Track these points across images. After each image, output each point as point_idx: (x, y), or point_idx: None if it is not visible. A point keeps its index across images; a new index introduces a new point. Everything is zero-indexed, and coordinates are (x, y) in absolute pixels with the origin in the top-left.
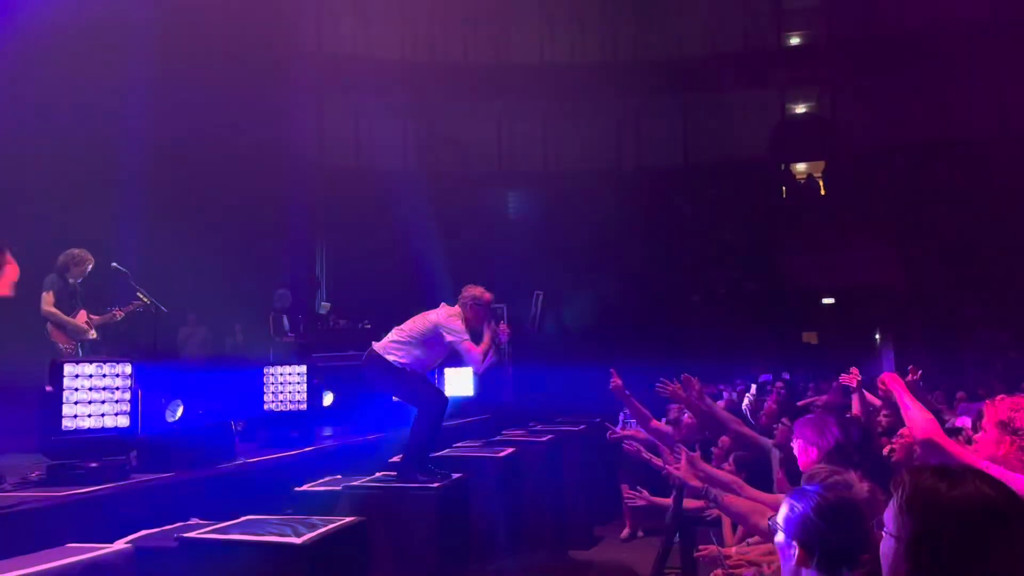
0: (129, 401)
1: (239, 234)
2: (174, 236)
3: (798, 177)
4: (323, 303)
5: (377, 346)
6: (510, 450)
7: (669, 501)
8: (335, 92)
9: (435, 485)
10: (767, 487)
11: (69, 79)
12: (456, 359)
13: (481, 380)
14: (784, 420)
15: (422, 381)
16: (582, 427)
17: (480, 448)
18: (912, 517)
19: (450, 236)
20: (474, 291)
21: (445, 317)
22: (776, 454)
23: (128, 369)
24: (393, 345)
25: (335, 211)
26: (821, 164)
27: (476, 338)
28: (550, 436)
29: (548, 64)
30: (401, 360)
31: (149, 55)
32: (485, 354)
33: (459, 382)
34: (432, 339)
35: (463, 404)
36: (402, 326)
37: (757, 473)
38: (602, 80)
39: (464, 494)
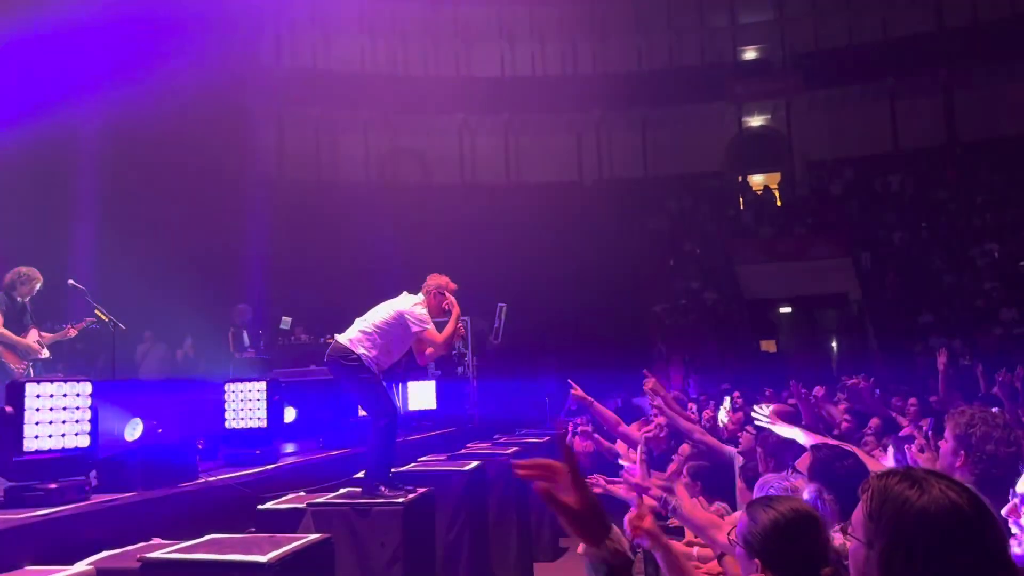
0: (89, 421)
1: (198, 249)
2: (131, 253)
3: (755, 188)
4: (284, 317)
5: (341, 338)
6: (475, 463)
7: (622, 492)
8: (295, 106)
9: (400, 500)
10: (726, 496)
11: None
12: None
13: (444, 393)
14: (749, 428)
15: (382, 387)
16: (546, 439)
17: (445, 462)
18: (882, 524)
19: (412, 248)
20: (439, 279)
21: (410, 305)
22: (739, 461)
23: (88, 388)
24: (359, 336)
25: (296, 224)
26: (777, 175)
27: (438, 328)
28: (515, 448)
29: (509, 77)
30: (369, 353)
31: (103, 62)
32: (446, 345)
33: (422, 395)
34: (397, 328)
35: (426, 417)
36: (365, 316)
37: (715, 483)
38: (563, 93)
39: (430, 508)
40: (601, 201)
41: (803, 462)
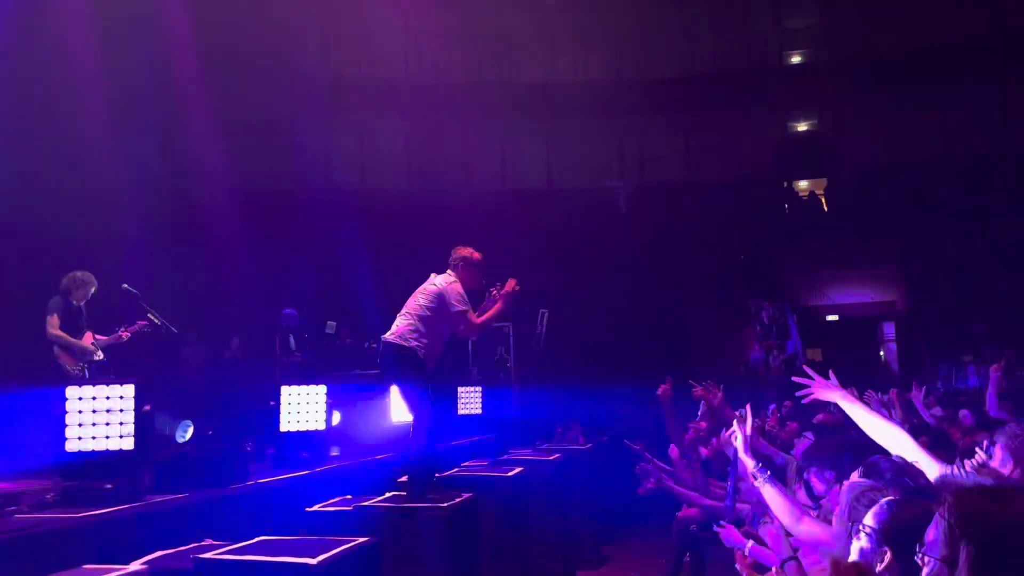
0: (134, 422)
1: (247, 254)
2: (180, 257)
3: (800, 195)
4: (329, 322)
5: (390, 336)
6: (518, 469)
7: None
8: (339, 113)
9: (445, 505)
10: None
11: (76, 99)
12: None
13: (488, 398)
14: (807, 435)
15: (428, 390)
16: (589, 445)
17: (488, 467)
18: (966, 541)
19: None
20: (463, 251)
21: (446, 285)
22: (794, 467)
23: (131, 391)
24: (406, 328)
25: (342, 230)
26: (823, 182)
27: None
28: (558, 455)
29: (550, 83)
30: (418, 342)
31: (157, 76)
32: (485, 326)
33: (467, 400)
34: (439, 311)
35: (470, 422)
36: (406, 308)
37: None
38: (604, 98)
39: (474, 513)
40: (642, 207)
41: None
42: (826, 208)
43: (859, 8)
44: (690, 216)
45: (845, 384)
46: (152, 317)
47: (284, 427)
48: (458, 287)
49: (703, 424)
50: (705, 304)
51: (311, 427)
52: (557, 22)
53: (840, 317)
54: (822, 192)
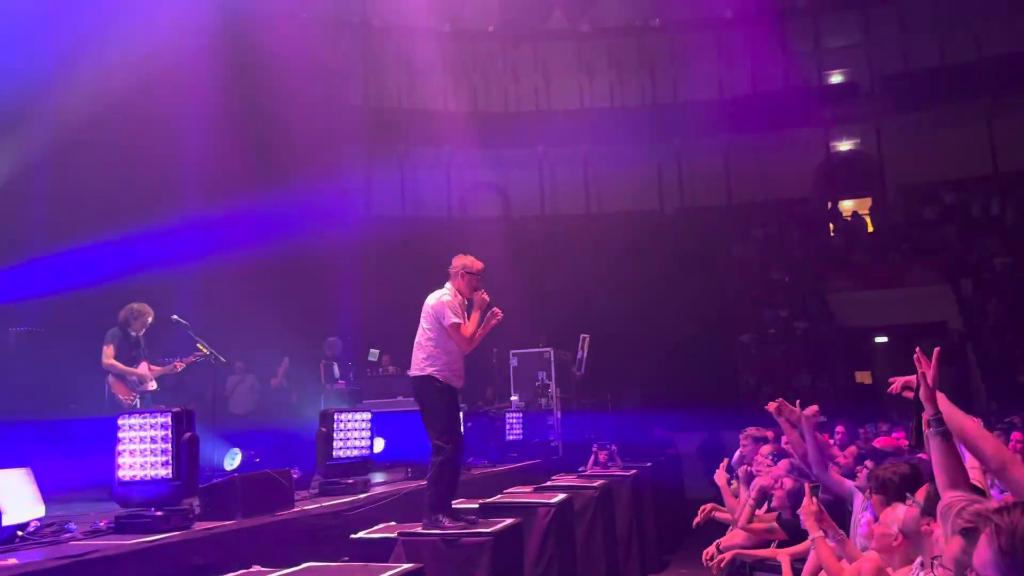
0: (175, 452)
1: (290, 283)
2: (227, 287)
3: (845, 215)
4: (372, 350)
5: (411, 370)
6: (562, 496)
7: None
8: (382, 143)
9: (489, 531)
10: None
11: (124, 129)
12: None
13: (529, 424)
14: (868, 463)
15: (453, 417)
16: (633, 472)
17: (531, 493)
18: (1019, 559)
19: (493, 280)
20: (464, 259)
21: (437, 302)
22: (860, 497)
23: (180, 420)
24: (422, 358)
25: (383, 259)
26: (868, 201)
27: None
28: (602, 481)
29: (588, 109)
30: (435, 368)
31: (202, 108)
32: (472, 338)
33: (511, 427)
34: (441, 329)
35: (512, 448)
36: (416, 338)
37: (832, 517)
38: (642, 123)
39: (518, 540)
40: (683, 230)
41: (921, 493)
42: (871, 228)
43: (899, 25)
44: (732, 239)
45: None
46: (201, 347)
47: (335, 453)
48: (450, 301)
49: (767, 448)
50: (750, 327)
51: (356, 454)
52: (592, 49)
53: (889, 338)
54: (867, 212)
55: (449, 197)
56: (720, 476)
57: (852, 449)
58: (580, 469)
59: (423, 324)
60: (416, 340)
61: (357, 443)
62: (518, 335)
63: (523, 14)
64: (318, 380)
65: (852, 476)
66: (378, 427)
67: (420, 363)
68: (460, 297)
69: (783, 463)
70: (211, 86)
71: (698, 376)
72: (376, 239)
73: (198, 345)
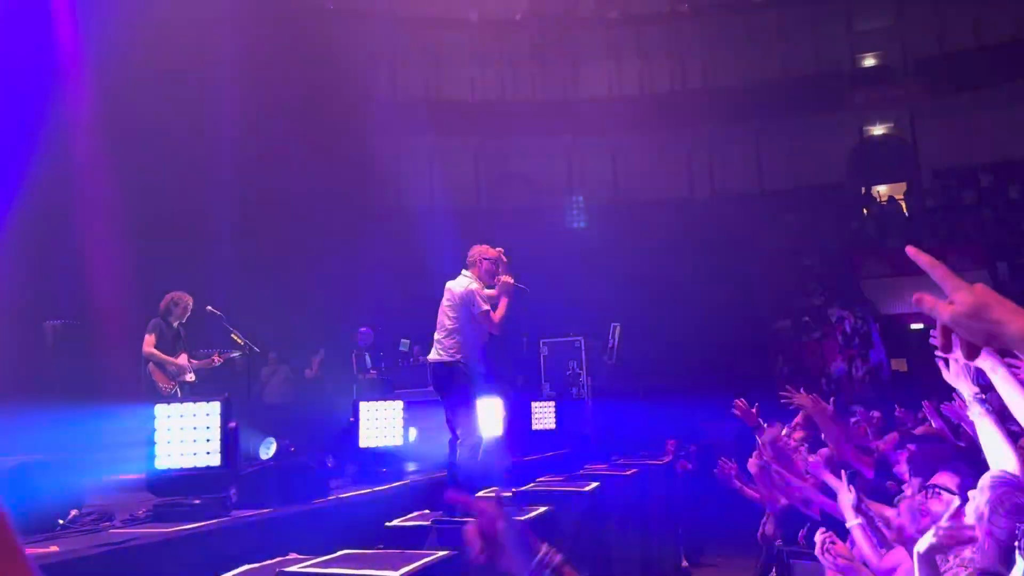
0: (222, 439)
1: (321, 274)
2: (260, 277)
3: (879, 200)
4: (403, 340)
5: (435, 356)
6: (594, 484)
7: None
8: (410, 136)
9: (522, 518)
10: None
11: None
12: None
13: (561, 413)
14: (910, 447)
15: (475, 406)
16: (666, 460)
17: (564, 482)
18: None
19: (526, 271)
20: (480, 248)
21: (466, 290)
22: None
23: (218, 408)
24: (448, 344)
25: (413, 249)
26: (903, 186)
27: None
28: (634, 470)
29: (617, 97)
30: (461, 354)
31: (234, 106)
32: (503, 320)
33: (541, 416)
34: (468, 317)
35: (544, 437)
36: (440, 324)
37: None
38: (671, 110)
39: (551, 528)
40: (713, 217)
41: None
42: (907, 213)
43: (932, 7)
44: (763, 226)
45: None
46: (235, 338)
47: (363, 443)
48: (478, 289)
49: (798, 434)
50: (783, 315)
51: (389, 443)
52: (621, 36)
53: (925, 325)
54: (902, 196)
55: (478, 187)
56: (754, 464)
57: (892, 436)
58: (614, 458)
59: (448, 312)
60: (440, 326)
61: (390, 432)
62: (549, 324)
63: (551, 2)
64: (351, 370)
65: (893, 462)
66: (411, 416)
67: (448, 349)
68: (481, 284)
69: (823, 452)
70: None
71: (730, 364)
72: (407, 229)
73: (232, 336)
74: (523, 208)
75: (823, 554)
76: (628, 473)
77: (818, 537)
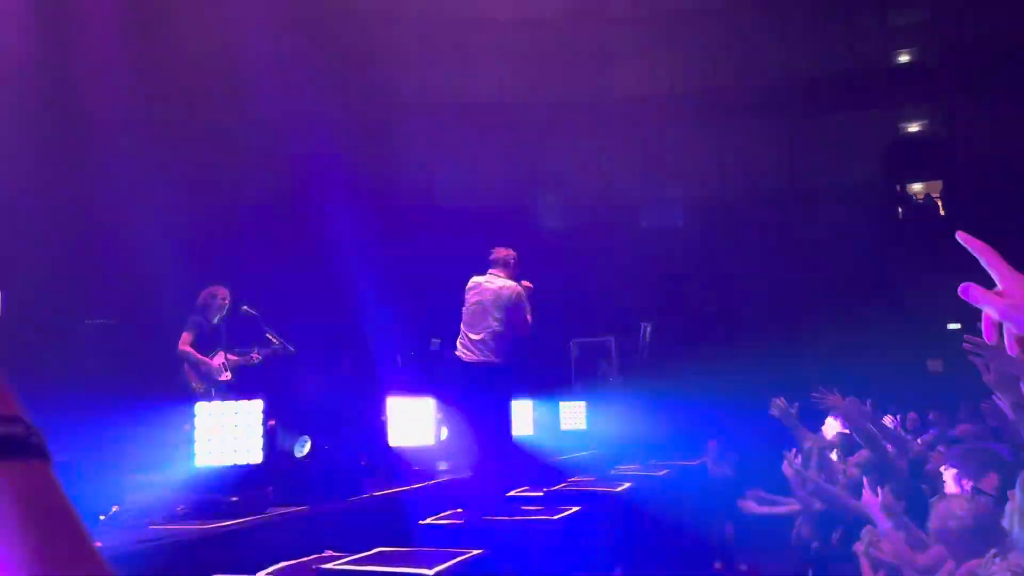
0: (262, 437)
1: (353, 274)
2: (292, 276)
3: (915, 198)
4: (434, 339)
5: (479, 356)
6: (627, 484)
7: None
8: (439, 137)
9: (556, 518)
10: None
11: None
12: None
13: (592, 413)
14: (940, 448)
15: (510, 410)
16: (698, 461)
17: (596, 482)
18: None
19: (552, 268)
20: (507, 250)
21: (516, 292)
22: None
23: (260, 406)
24: (490, 345)
25: (444, 250)
26: (938, 184)
27: None
28: (666, 471)
29: (648, 95)
30: (504, 358)
31: (266, 107)
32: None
33: (572, 416)
34: (513, 319)
35: (575, 438)
36: (485, 324)
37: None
38: (704, 107)
39: (585, 527)
40: (746, 215)
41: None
42: (943, 211)
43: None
44: (796, 223)
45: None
46: (271, 337)
47: (394, 442)
48: (523, 292)
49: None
50: (815, 312)
51: (420, 442)
52: (651, 34)
53: (963, 324)
54: (938, 195)
55: (506, 186)
56: (789, 468)
57: (928, 437)
58: (649, 460)
59: (494, 312)
60: (484, 327)
61: (422, 430)
62: (579, 324)
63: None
64: (382, 369)
65: (926, 462)
66: (441, 415)
67: (493, 351)
68: None
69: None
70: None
71: (763, 363)
72: (438, 231)
73: (267, 336)
74: (554, 206)
75: (866, 553)
76: (661, 474)
77: (865, 536)
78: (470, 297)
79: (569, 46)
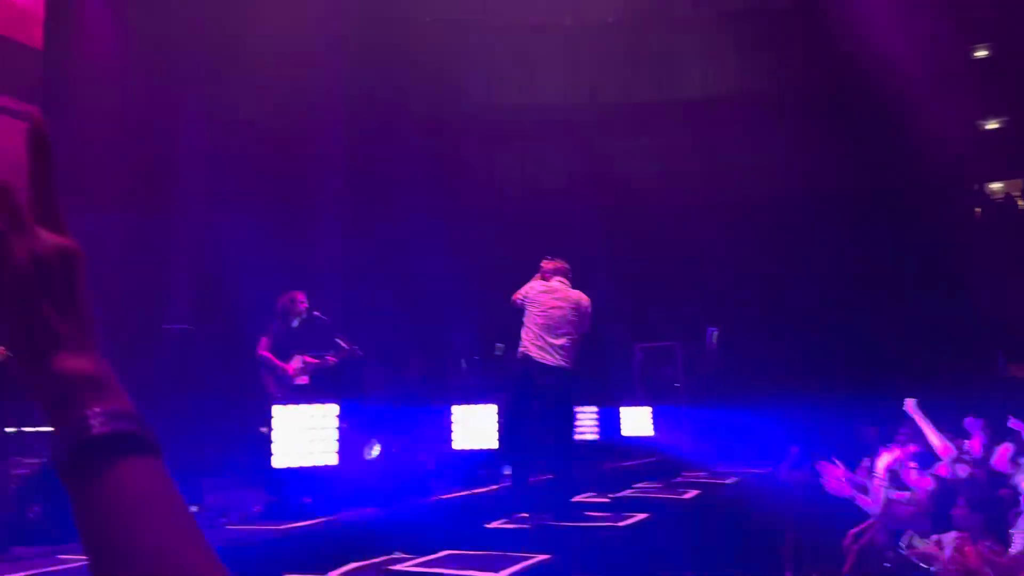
0: (336, 440)
1: (419, 280)
2: (360, 282)
3: (993, 197)
4: (498, 344)
5: (562, 361)
6: (695, 492)
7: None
8: (503, 140)
9: (622, 524)
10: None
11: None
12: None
13: (658, 419)
14: (1021, 460)
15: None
16: (768, 469)
17: (662, 489)
18: None
19: (620, 275)
20: (564, 262)
21: (589, 305)
22: None
23: (336, 410)
24: (567, 352)
25: (506, 256)
26: (1019, 182)
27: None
28: (735, 478)
29: (712, 97)
30: (577, 363)
31: (342, 121)
32: None
33: (636, 422)
34: (583, 326)
35: (641, 444)
36: (563, 331)
37: (993, 516)
38: (767, 107)
39: (651, 535)
40: (814, 216)
41: None
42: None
43: None
44: (868, 224)
45: None
46: (340, 342)
47: (458, 445)
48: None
49: (913, 448)
50: (888, 316)
51: (484, 446)
52: (715, 35)
53: None
54: (1018, 193)
55: (571, 190)
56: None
57: (1007, 446)
58: (713, 466)
59: (572, 319)
60: (565, 333)
61: (486, 435)
62: (641, 329)
63: (646, 2)
64: (447, 373)
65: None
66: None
67: (568, 358)
68: None
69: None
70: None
71: (834, 368)
72: (501, 235)
73: (337, 341)
74: (617, 209)
75: (953, 554)
76: (730, 481)
77: (950, 540)
78: (547, 301)
79: (632, 50)
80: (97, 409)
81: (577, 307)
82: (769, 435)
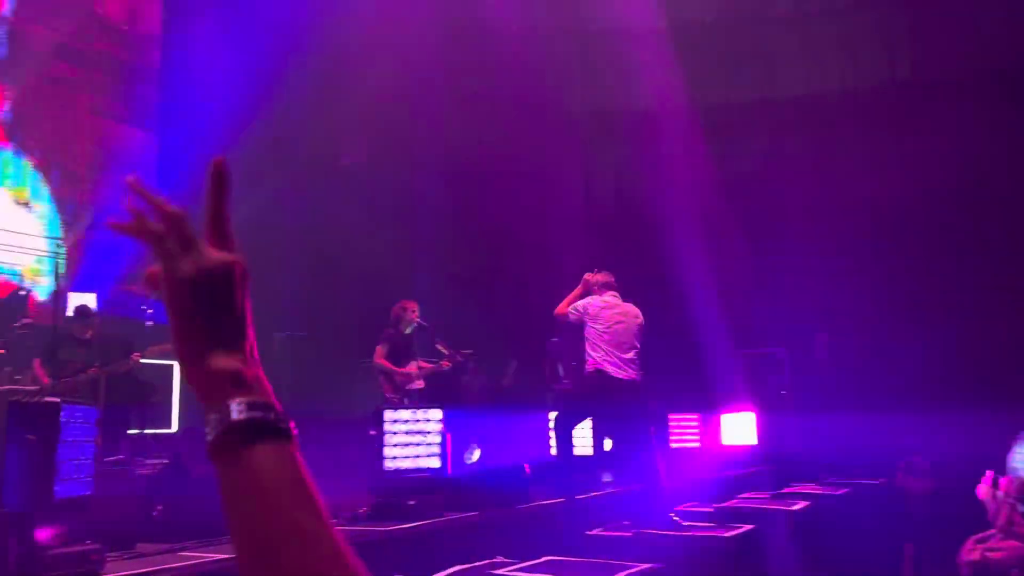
0: (440, 444)
1: (515, 286)
2: (455, 288)
3: None
4: (511, 361)
5: (626, 375)
6: (803, 503)
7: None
8: (597, 147)
9: (727, 535)
10: None
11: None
12: None
13: (764, 427)
14: None
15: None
16: (882, 480)
17: (769, 500)
18: None
19: (722, 282)
20: (605, 274)
21: (643, 320)
22: None
23: (439, 415)
24: (637, 364)
25: (603, 262)
26: None
27: None
28: (846, 489)
29: (816, 95)
30: (643, 375)
31: (439, 126)
32: None
33: (739, 429)
34: (644, 338)
35: (744, 453)
36: (631, 344)
37: None
38: (877, 105)
39: (757, 546)
40: (927, 216)
41: None
42: None
43: None
44: (985, 223)
45: None
46: (441, 348)
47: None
48: None
49: None
50: (1008, 317)
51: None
52: (820, 30)
53: None
54: None
55: (668, 195)
56: (985, 491)
57: None
58: (823, 476)
59: (637, 332)
60: (633, 346)
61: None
62: (745, 334)
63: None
64: (544, 379)
65: None
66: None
67: (638, 370)
68: None
69: None
70: (439, 95)
71: (957, 373)
72: (596, 243)
73: (437, 346)
74: (723, 211)
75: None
76: (840, 493)
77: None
78: (610, 317)
79: (731, 49)
80: (239, 400)
81: (638, 319)
82: (882, 444)
